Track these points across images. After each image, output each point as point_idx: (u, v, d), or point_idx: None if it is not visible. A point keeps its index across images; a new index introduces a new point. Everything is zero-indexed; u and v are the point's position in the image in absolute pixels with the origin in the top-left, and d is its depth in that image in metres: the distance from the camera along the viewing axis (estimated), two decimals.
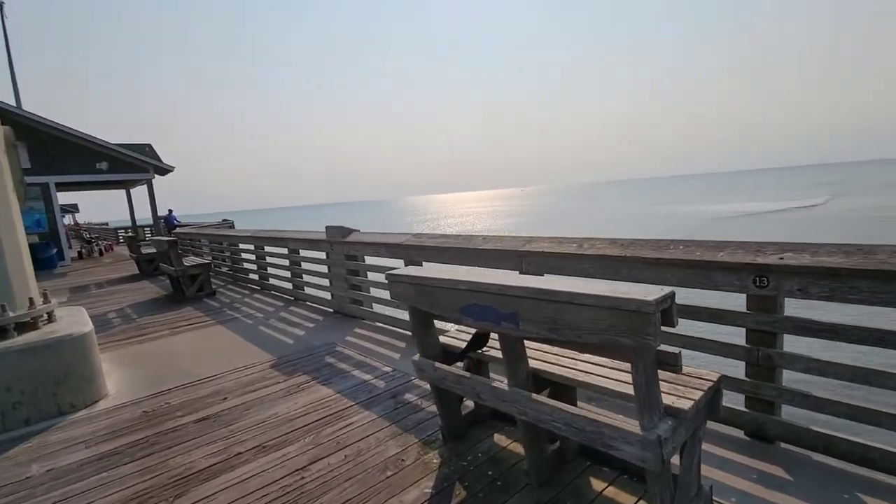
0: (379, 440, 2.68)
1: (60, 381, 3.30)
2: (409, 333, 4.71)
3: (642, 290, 1.49)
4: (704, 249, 2.49)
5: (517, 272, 3.47)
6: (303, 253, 6.62)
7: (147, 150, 16.82)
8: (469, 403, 2.84)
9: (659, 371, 1.63)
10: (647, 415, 1.56)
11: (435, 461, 2.43)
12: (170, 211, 18.08)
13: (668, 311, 1.46)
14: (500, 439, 2.59)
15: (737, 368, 2.51)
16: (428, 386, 3.34)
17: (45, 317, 3.66)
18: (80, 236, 24.79)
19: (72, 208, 36.72)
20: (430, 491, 2.18)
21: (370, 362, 3.97)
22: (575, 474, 2.21)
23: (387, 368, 3.79)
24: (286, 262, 7.09)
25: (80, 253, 17.11)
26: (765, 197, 50.63)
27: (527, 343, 2.15)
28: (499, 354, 2.36)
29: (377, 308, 5.47)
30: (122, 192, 21.45)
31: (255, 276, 8.32)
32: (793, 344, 2.38)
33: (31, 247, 3.99)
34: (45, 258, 13.54)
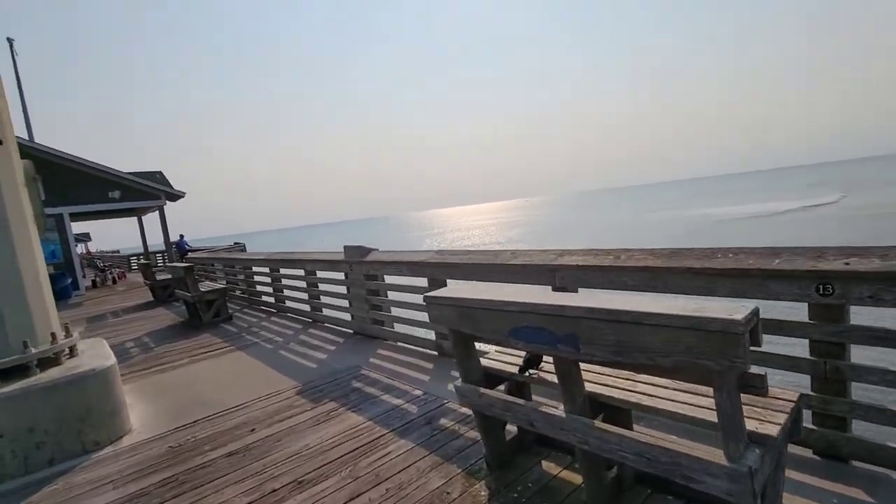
0: (420, 471, 2.54)
1: (84, 417, 3.21)
2: (435, 353, 4.58)
3: (719, 306, 1.37)
4: (757, 257, 2.36)
5: (550, 287, 3.35)
6: (320, 274, 6.54)
7: (158, 176, 16.99)
8: (512, 428, 2.70)
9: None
10: (732, 443, 1.43)
11: (483, 493, 2.29)
12: (181, 236, 18.18)
13: (755, 329, 1.33)
14: (549, 467, 2.44)
15: (789, 379, 2.36)
16: (463, 409, 3.21)
17: (67, 351, 3.58)
18: (93, 265, 24.99)
19: (84, 237, 37.16)
20: None
21: (399, 386, 3.84)
22: None
23: (417, 392, 3.66)
24: (303, 284, 7.01)
25: (93, 282, 17.20)
26: (770, 198, 50.12)
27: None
28: (509, 369, 2.24)
29: (399, 328, 5.35)
30: (132, 219, 21.67)
31: (271, 299, 8.25)
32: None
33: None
34: (61, 288, 13.59)
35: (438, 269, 4.35)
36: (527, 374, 2.27)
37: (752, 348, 1.36)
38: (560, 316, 1.67)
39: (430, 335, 4.76)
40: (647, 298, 1.57)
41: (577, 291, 3.25)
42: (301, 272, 6.89)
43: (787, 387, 1.79)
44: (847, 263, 2.07)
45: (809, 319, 2.23)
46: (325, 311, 6.62)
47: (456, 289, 2.24)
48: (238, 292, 9.65)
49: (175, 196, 17.26)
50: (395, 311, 5.36)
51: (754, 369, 1.94)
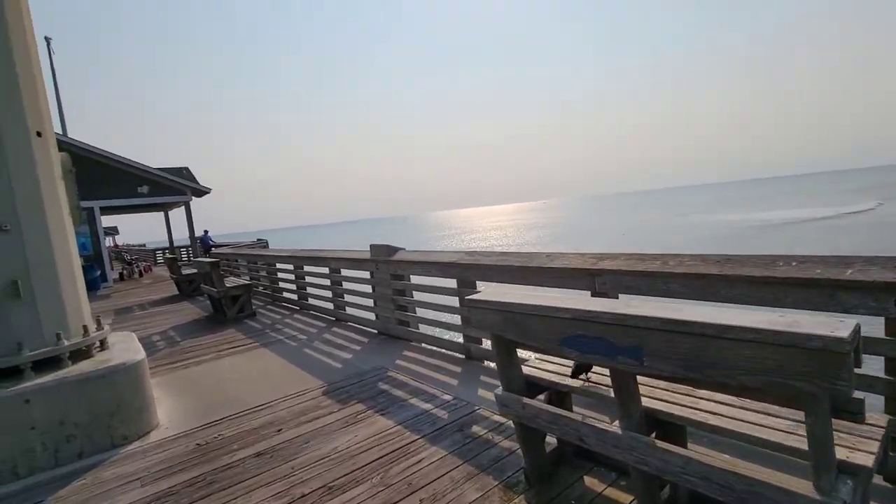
0: (454, 481, 2.43)
1: (114, 412, 3.19)
2: (463, 357, 4.47)
3: (814, 321, 1.23)
4: (826, 266, 2.18)
5: (589, 293, 3.21)
6: (345, 272, 6.50)
7: (185, 172, 17.29)
8: (551, 440, 2.56)
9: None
10: (823, 474, 1.28)
11: None
12: (205, 232, 18.47)
13: (857, 348, 1.18)
14: (592, 483, 2.30)
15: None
16: (496, 417, 3.10)
17: (98, 344, 3.59)
18: (120, 258, 25.62)
19: (112, 230, 38.19)
20: None
21: (427, 389, 3.73)
22: None
23: (446, 396, 3.55)
24: (327, 282, 6.98)
25: (121, 275, 17.60)
26: (804, 203, 48.53)
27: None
28: (574, 383, 2.11)
29: (424, 329, 5.26)
30: (157, 213, 22.13)
31: (294, 296, 8.25)
32: None
33: None
34: (90, 280, 13.93)
35: (469, 270, 4.24)
36: (581, 378, 2.14)
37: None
38: (623, 325, 1.54)
39: (458, 338, 4.65)
40: (724, 310, 1.43)
41: (617, 297, 3.10)
42: (326, 270, 6.86)
43: (871, 410, 1.62)
44: None
45: (886, 335, 2.05)
46: (349, 310, 6.58)
47: (501, 292, 2.12)
48: (261, 288, 9.71)
49: (201, 192, 17.55)
50: (421, 312, 5.27)
51: None
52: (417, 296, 5.33)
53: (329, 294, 6.98)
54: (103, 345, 3.65)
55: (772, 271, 2.29)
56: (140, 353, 3.50)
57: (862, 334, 1.98)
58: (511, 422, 2.99)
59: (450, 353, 4.65)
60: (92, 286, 13.99)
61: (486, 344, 4.48)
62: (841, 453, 1.37)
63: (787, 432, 1.52)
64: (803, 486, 1.31)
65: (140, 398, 3.37)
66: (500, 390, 2.25)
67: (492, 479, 2.43)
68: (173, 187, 16.49)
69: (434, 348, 4.86)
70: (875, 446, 1.41)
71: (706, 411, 1.73)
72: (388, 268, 5.28)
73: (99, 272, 14.65)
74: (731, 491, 1.43)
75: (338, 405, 3.58)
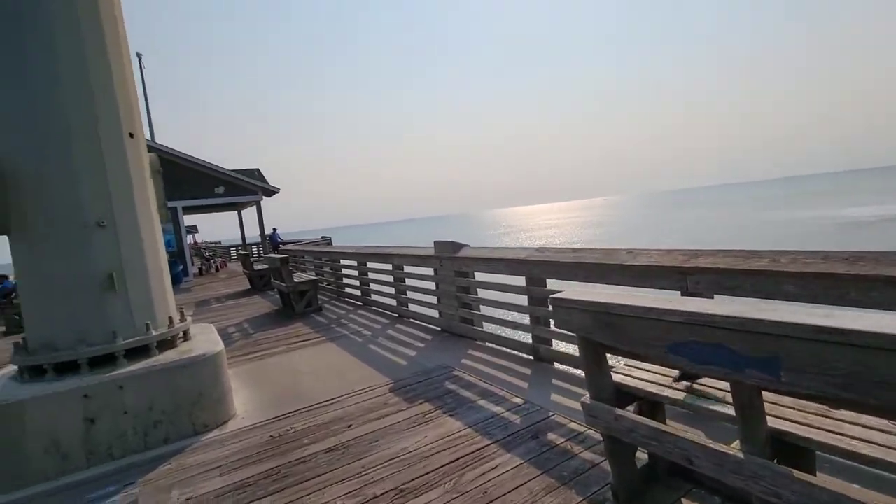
0: (533, 494, 2.26)
1: (196, 401, 3.32)
2: (531, 357, 4.27)
3: None
4: None
5: (679, 293, 2.90)
6: (407, 269, 6.49)
7: (256, 173, 18.28)
8: (641, 454, 2.32)
9: None
10: None
11: None
12: (274, 229, 19.43)
13: None
14: None
15: None
16: (573, 425, 2.89)
17: (182, 335, 3.76)
18: (200, 254, 27.66)
19: (192, 229, 41.37)
20: None
21: (496, 391, 3.58)
22: None
23: (517, 400, 3.37)
24: (390, 279, 7.01)
25: (200, 270, 18.94)
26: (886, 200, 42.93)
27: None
28: (674, 394, 1.84)
29: (488, 327, 5.11)
30: (231, 212, 23.59)
31: (357, 292, 8.40)
32: None
33: None
34: (174, 274, 15.08)
35: (539, 267, 4.03)
36: (681, 389, 1.90)
37: None
38: (755, 333, 1.29)
39: (525, 337, 4.45)
40: (887, 316, 1.16)
41: (713, 298, 2.78)
42: (389, 266, 6.89)
43: None
44: None
45: None
46: (411, 307, 6.56)
47: (596, 292, 1.92)
48: (325, 284, 10.00)
49: (270, 192, 18.47)
50: (485, 310, 5.12)
51: None
52: (482, 293, 5.19)
53: (392, 290, 7.01)
54: (186, 335, 3.83)
55: None
56: (219, 345, 3.63)
57: None
58: (590, 431, 2.78)
59: (517, 353, 4.46)
60: (175, 280, 15.15)
61: (557, 345, 4.25)
62: None
63: None
64: None
65: (219, 388, 3.49)
66: (586, 398, 2.05)
67: (575, 493, 2.23)
68: (246, 187, 17.48)
69: (500, 348, 4.70)
70: None
71: (857, 438, 1.43)
72: (453, 264, 5.18)
73: (181, 267, 15.83)
74: None
75: (405, 403, 3.52)
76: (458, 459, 2.64)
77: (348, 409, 3.53)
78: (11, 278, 10.41)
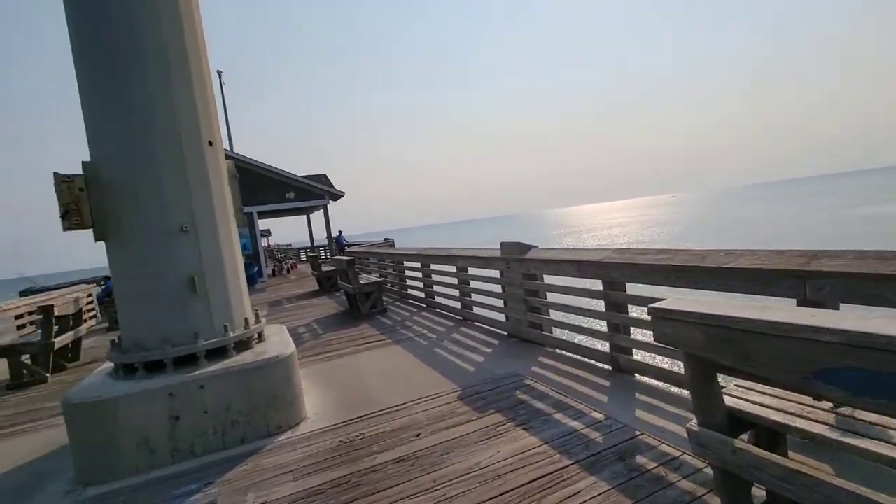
0: None
1: (270, 402, 3.37)
2: (609, 368, 3.94)
3: None
4: None
5: (794, 301, 2.50)
6: (472, 271, 6.34)
7: (323, 179, 19.02)
8: (758, 492, 1.99)
9: None
10: None
11: None
12: (340, 232, 20.13)
13: None
14: None
15: None
16: (665, 448, 2.58)
17: (257, 336, 3.86)
18: (273, 256, 29.32)
19: (266, 233, 44.02)
20: None
21: (572, 404, 3.32)
22: None
23: (597, 415, 3.10)
24: (454, 281, 6.90)
25: (273, 271, 20.04)
26: None
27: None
28: (795, 423, 1.50)
29: (558, 333, 4.83)
30: (300, 216, 24.74)
31: (421, 294, 8.38)
32: None
33: None
34: (249, 276, 16.06)
35: (616, 270, 3.71)
36: (822, 421, 1.58)
37: None
38: None
39: (601, 345, 4.13)
40: None
41: (838, 307, 2.36)
42: (453, 269, 6.78)
43: None
44: None
45: None
46: (476, 310, 6.40)
47: (708, 302, 1.64)
48: (389, 285, 10.11)
49: (336, 196, 19.15)
50: (554, 315, 4.85)
51: None
52: (551, 297, 4.92)
53: (456, 293, 6.89)
54: (260, 337, 3.93)
55: None
56: (291, 346, 3.68)
57: None
58: (686, 455, 2.46)
59: (592, 362, 4.15)
60: (251, 281, 16.11)
61: (638, 355, 3.90)
62: None
63: None
64: None
65: (292, 390, 3.53)
66: (693, 424, 1.77)
67: None
68: (314, 192, 18.24)
69: (572, 356, 4.41)
70: None
71: None
72: (520, 267, 4.95)
73: (256, 269, 16.80)
74: None
75: (475, 413, 3.36)
76: (536, 480, 2.43)
77: (416, 416, 3.43)
78: None
